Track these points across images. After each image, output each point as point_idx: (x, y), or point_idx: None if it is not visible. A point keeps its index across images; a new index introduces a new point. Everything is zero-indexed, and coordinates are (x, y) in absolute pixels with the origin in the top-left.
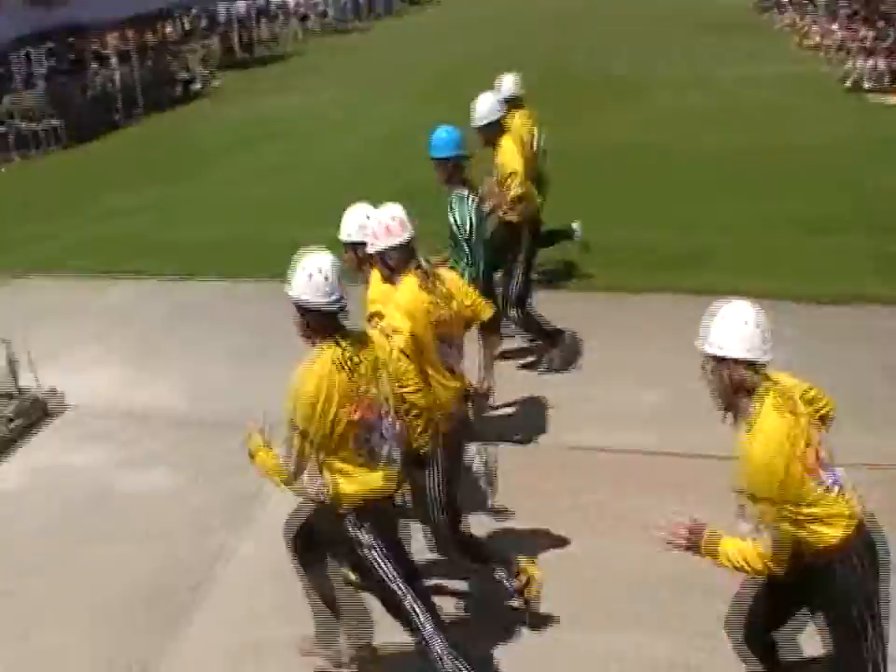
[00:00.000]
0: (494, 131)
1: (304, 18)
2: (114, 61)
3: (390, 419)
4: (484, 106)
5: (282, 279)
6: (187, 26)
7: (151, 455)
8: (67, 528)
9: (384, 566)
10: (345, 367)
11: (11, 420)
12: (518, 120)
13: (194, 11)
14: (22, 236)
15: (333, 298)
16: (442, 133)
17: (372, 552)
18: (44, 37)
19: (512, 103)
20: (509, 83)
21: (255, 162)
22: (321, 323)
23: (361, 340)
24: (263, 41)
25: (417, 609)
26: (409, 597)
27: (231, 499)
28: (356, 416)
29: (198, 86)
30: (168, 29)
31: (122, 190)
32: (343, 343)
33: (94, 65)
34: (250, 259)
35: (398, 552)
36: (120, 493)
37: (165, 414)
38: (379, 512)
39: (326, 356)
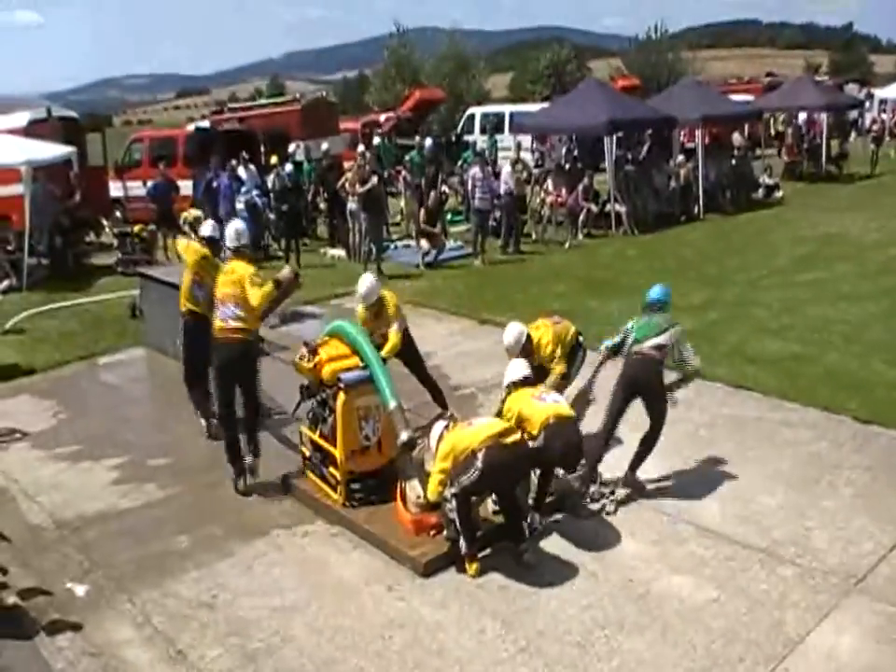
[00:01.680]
0: None
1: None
2: (700, 155)
3: None
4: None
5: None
6: (772, 131)
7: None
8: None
9: None
10: None
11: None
12: None
13: (782, 117)
14: (575, 307)
15: None
16: None
17: None
18: (635, 125)
19: None
20: None
21: (818, 282)
22: None
23: None
24: (834, 157)
25: None
26: None
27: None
28: None
29: (779, 193)
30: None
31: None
32: None
33: (681, 158)
34: (811, 381)
35: None
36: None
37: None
38: None
39: None
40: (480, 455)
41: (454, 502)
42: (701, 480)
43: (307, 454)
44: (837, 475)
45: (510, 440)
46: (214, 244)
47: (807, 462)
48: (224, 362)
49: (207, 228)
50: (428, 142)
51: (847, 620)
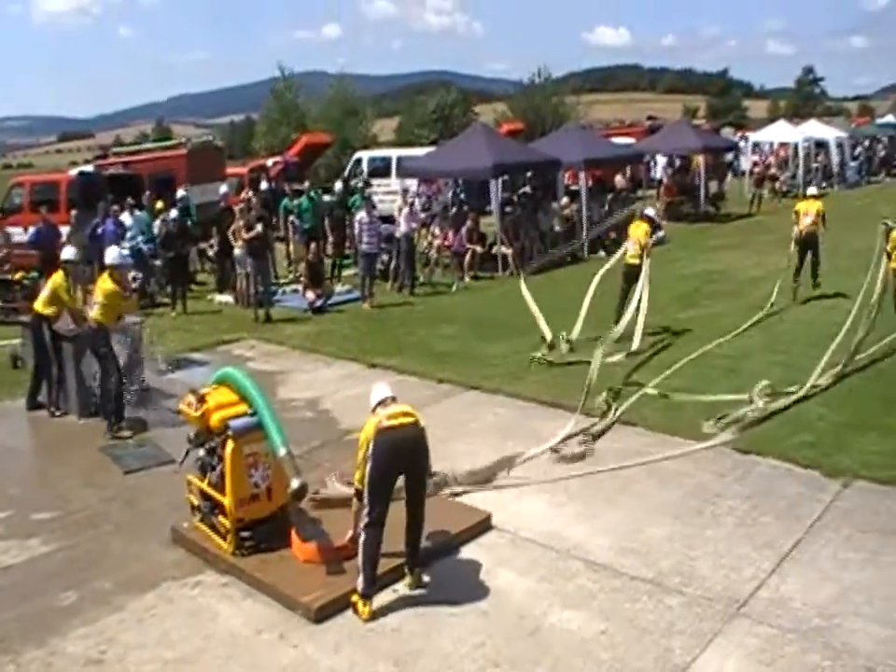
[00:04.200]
0: None
1: (773, 178)
2: (584, 197)
3: None
4: None
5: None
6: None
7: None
8: None
9: None
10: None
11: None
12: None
13: (661, 159)
14: (462, 349)
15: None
16: None
17: None
18: (518, 168)
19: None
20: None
21: (699, 318)
22: None
23: None
24: (711, 198)
25: None
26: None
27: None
28: None
29: (661, 233)
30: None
31: (555, 325)
32: None
33: (565, 199)
34: (693, 414)
35: None
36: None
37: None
38: None
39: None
40: (371, 445)
41: (363, 535)
42: (589, 515)
43: (196, 503)
44: (720, 505)
45: (398, 421)
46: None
47: (691, 494)
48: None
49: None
50: (339, 185)
51: (731, 644)
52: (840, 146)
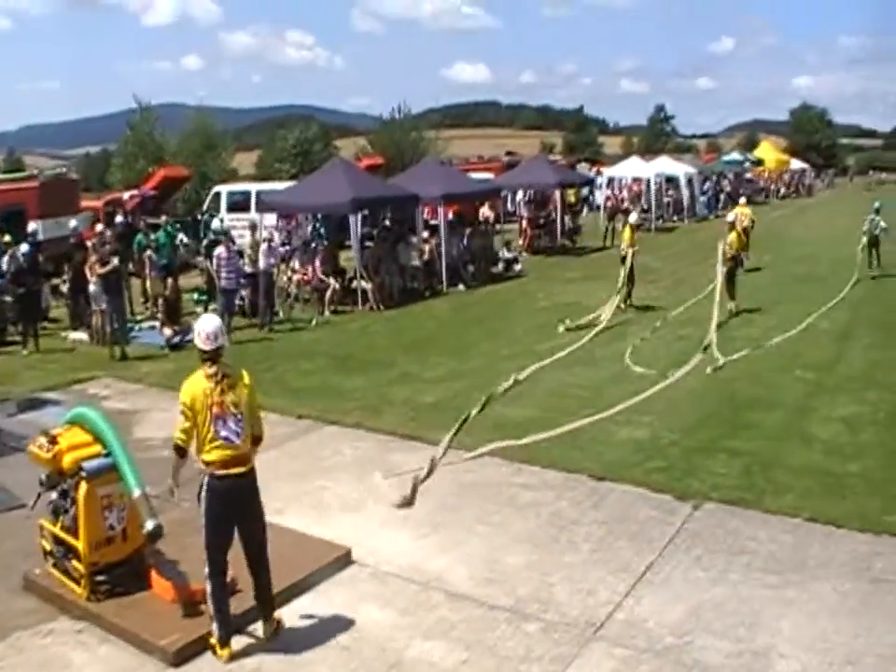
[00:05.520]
0: None
1: (626, 212)
2: (443, 232)
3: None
4: None
5: None
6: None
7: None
8: None
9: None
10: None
11: None
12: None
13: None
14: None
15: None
16: None
17: None
18: (379, 203)
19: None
20: None
21: (554, 350)
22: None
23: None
24: (567, 231)
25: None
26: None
27: None
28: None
29: (519, 266)
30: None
31: (414, 359)
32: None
33: (425, 234)
34: (549, 444)
35: None
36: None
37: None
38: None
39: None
40: (205, 483)
41: (208, 584)
42: (449, 546)
43: (48, 548)
44: (576, 531)
45: (232, 471)
46: None
47: (548, 522)
48: None
49: None
50: (216, 223)
51: (589, 666)
52: (690, 181)
